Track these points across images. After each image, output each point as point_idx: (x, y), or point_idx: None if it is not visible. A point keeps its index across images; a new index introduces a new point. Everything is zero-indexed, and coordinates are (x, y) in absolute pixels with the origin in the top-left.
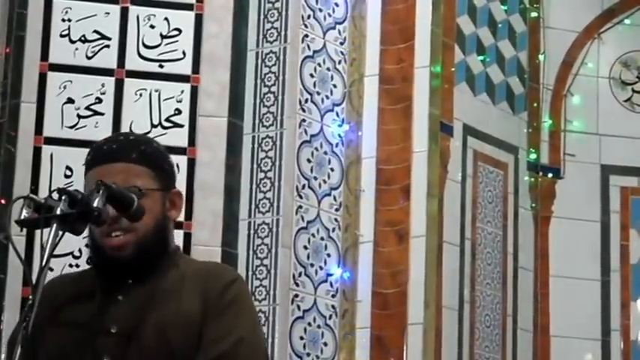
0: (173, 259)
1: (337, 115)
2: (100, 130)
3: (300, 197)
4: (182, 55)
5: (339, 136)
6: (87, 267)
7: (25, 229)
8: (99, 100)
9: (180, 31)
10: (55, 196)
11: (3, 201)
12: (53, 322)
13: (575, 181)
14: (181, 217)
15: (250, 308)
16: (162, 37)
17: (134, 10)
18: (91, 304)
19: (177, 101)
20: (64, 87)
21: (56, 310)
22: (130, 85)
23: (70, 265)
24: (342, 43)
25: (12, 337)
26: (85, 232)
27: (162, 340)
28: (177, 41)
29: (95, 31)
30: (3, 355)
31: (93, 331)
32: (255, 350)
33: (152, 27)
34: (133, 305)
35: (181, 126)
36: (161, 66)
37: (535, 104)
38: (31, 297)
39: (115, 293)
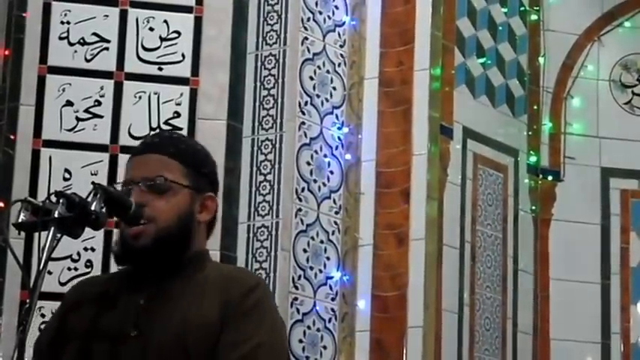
0: (198, 262)
1: (337, 117)
2: (98, 132)
3: (300, 200)
4: (181, 58)
5: (339, 138)
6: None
7: (23, 232)
8: (98, 103)
9: (179, 33)
10: (53, 199)
11: (1, 204)
12: (75, 327)
13: (576, 183)
14: None
15: (271, 314)
16: (162, 39)
17: (133, 13)
18: (114, 308)
19: (177, 104)
20: (63, 89)
21: (79, 315)
22: (129, 87)
23: (69, 269)
24: (341, 46)
25: (36, 342)
26: (87, 234)
27: (179, 345)
28: (176, 44)
29: (94, 34)
30: None
31: (114, 335)
32: (273, 356)
33: (151, 29)
34: (154, 309)
35: (180, 129)
36: (160, 69)
37: (535, 107)
38: (28, 300)
39: (138, 297)
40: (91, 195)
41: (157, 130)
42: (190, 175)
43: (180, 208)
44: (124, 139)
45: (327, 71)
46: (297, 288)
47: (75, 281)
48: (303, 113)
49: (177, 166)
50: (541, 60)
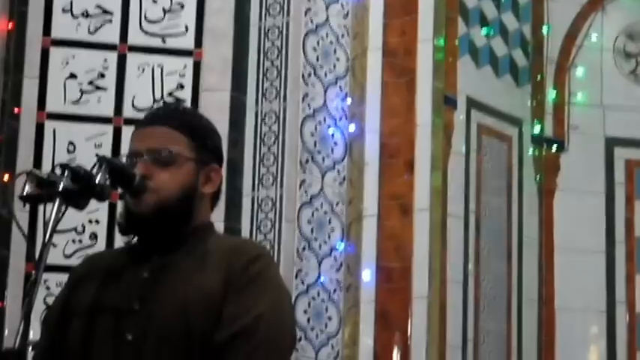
0: (202, 235)
1: (340, 88)
2: (102, 105)
3: (304, 171)
4: (185, 30)
5: (343, 109)
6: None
7: (28, 205)
8: (101, 75)
9: (182, 5)
10: (58, 171)
11: (6, 176)
12: (81, 302)
13: (580, 153)
14: None
15: (274, 284)
16: (165, 11)
17: None
18: (119, 282)
19: (180, 76)
20: (67, 62)
21: (84, 290)
22: (133, 60)
23: (74, 241)
24: (344, 17)
25: (44, 320)
26: (92, 207)
27: (181, 317)
28: (179, 16)
29: (97, 6)
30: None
31: (118, 309)
32: (275, 327)
33: (154, 1)
34: (157, 283)
35: (184, 101)
36: (164, 41)
37: (539, 77)
38: (34, 273)
39: (141, 270)
40: (96, 167)
41: (162, 102)
42: (195, 148)
43: (185, 180)
44: (128, 112)
45: (331, 42)
46: (301, 259)
47: (80, 253)
48: (307, 84)
49: (182, 138)
50: (545, 29)
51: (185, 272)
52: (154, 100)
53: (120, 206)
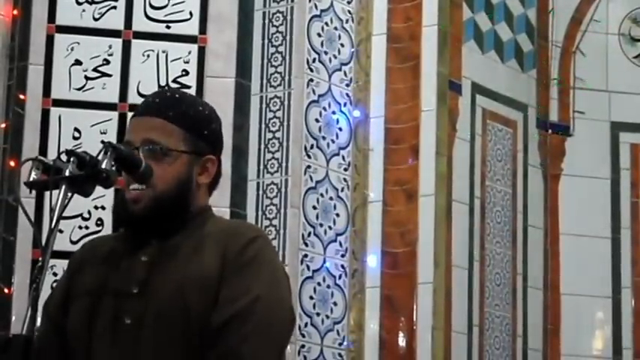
0: (200, 219)
1: (345, 74)
2: (107, 91)
3: (309, 157)
4: (189, 16)
5: (347, 95)
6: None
7: (34, 191)
8: (106, 62)
9: None
10: (64, 157)
11: (12, 163)
12: (82, 286)
13: (585, 138)
14: None
15: (271, 266)
16: None
17: None
18: (119, 266)
19: (185, 62)
20: (72, 49)
21: (84, 275)
22: (138, 46)
23: (80, 227)
24: (349, 2)
25: (44, 305)
26: (96, 194)
27: (179, 301)
28: (184, 2)
29: None
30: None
31: (118, 293)
32: (272, 309)
33: None
34: (156, 267)
35: (189, 87)
36: (168, 27)
37: (544, 61)
38: (40, 259)
39: (140, 254)
40: (102, 153)
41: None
42: (190, 139)
43: (179, 173)
44: (133, 98)
45: (335, 28)
46: (306, 245)
47: (86, 239)
48: (312, 70)
49: (176, 130)
50: (550, 14)
51: (183, 255)
52: (159, 86)
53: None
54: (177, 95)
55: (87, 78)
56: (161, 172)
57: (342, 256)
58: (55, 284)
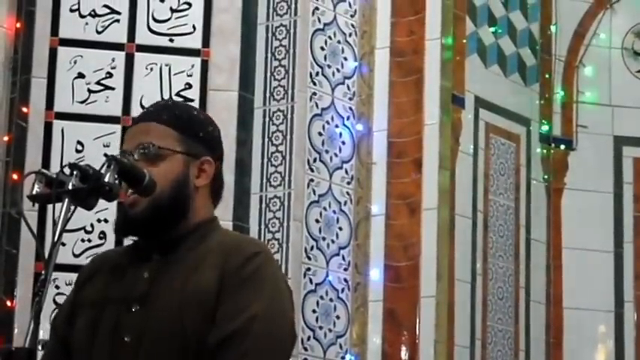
0: (204, 231)
1: (348, 88)
2: (110, 104)
3: (312, 170)
4: (192, 29)
5: (350, 109)
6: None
7: (37, 205)
8: (109, 75)
9: (190, 4)
10: (67, 171)
11: (15, 176)
12: (87, 300)
13: (588, 152)
14: None
15: (272, 282)
16: (173, 10)
17: None
18: (122, 281)
19: (188, 75)
20: (75, 62)
21: (92, 286)
22: (141, 59)
23: (82, 240)
24: (352, 16)
25: (53, 321)
26: (99, 207)
27: (177, 317)
28: (187, 15)
29: (105, 6)
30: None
31: (119, 308)
32: (271, 326)
33: (162, 1)
34: (157, 281)
35: (192, 100)
36: (171, 40)
37: (547, 75)
38: (43, 272)
39: (142, 270)
40: (105, 166)
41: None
42: (184, 141)
43: (175, 175)
44: (136, 111)
45: (338, 41)
46: (309, 258)
47: (89, 252)
48: (315, 84)
49: (169, 132)
50: (553, 28)
51: (184, 271)
52: (162, 100)
53: (115, 211)
54: (170, 102)
55: (90, 91)
56: (155, 173)
57: (345, 269)
58: (57, 297)
